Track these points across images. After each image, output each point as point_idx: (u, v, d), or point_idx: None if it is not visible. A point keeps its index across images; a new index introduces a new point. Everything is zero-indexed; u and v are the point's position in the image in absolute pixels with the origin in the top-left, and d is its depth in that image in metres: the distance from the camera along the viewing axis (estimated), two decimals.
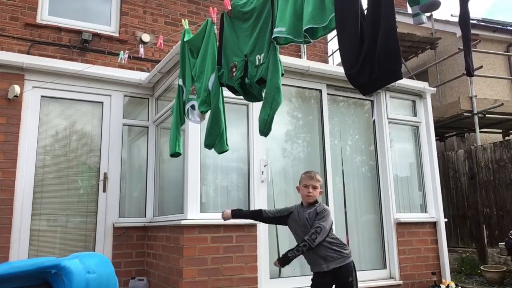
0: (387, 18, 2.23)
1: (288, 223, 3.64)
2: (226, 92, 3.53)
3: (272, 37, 2.96)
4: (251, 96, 3.32)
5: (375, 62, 2.26)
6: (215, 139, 3.49)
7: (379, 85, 2.38)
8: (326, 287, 3.50)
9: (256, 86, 3.17)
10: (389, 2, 2.26)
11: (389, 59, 2.21)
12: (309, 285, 3.58)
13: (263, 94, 3.20)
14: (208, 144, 3.56)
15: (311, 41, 2.82)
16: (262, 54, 3.10)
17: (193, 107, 3.78)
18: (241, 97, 3.51)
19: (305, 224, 3.48)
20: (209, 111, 3.61)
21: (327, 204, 5.34)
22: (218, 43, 3.56)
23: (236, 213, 3.77)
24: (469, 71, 2.28)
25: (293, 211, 3.62)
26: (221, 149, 3.51)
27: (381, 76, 2.27)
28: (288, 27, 2.85)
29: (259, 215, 3.76)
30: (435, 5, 2.21)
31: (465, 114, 8.82)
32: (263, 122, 3.03)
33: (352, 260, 3.52)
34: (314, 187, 3.53)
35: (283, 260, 3.33)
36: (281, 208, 3.73)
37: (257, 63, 3.14)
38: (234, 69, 3.32)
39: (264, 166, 5.17)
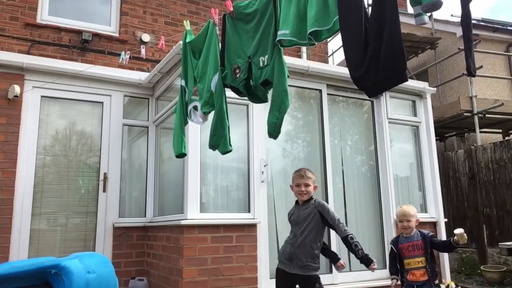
0: (392, 20, 2.23)
1: None
2: (227, 92, 3.53)
3: (277, 39, 2.95)
4: (256, 97, 3.32)
5: (380, 64, 2.26)
6: (220, 140, 3.49)
7: (384, 87, 2.38)
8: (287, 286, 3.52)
9: (261, 88, 3.17)
10: (393, 4, 2.25)
11: (394, 61, 2.21)
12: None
13: (268, 96, 3.21)
14: (213, 145, 3.57)
15: (316, 43, 2.82)
16: (266, 56, 3.10)
17: (195, 108, 3.78)
18: (241, 97, 3.53)
19: (297, 222, 3.51)
20: (211, 112, 3.61)
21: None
22: (220, 44, 3.56)
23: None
24: (470, 72, 2.27)
25: (292, 212, 3.67)
26: (225, 150, 3.51)
27: (387, 78, 2.26)
28: (292, 29, 2.84)
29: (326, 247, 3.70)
30: (437, 5, 2.20)
31: (465, 114, 8.82)
32: (272, 125, 3.03)
33: (318, 276, 3.46)
34: (306, 185, 3.54)
35: (367, 261, 3.39)
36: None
37: (261, 64, 3.14)
38: (237, 71, 3.32)
39: (264, 166, 5.17)
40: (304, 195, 3.54)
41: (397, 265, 3.84)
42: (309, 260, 3.41)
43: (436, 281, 3.74)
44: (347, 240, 3.37)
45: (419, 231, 3.89)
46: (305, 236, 3.44)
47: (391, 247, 3.95)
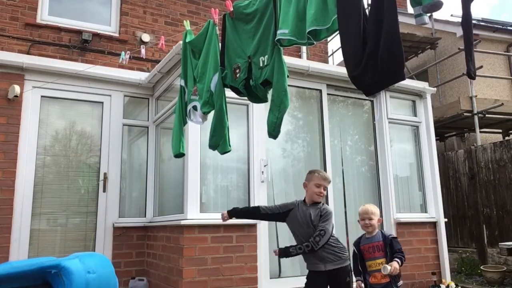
0: (390, 19, 2.23)
1: (287, 220, 3.60)
2: (226, 92, 3.53)
3: (276, 39, 2.96)
4: (256, 97, 3.32)
5: (378, 63, 2.26)
6: (219, 140, 3.49)
7: (382, 86, 2.38)
8: (321, 286, 3.50)
9: (260, 88, 3.18)
10: (391, 3, 2.25)
11: (392, 60, 2.21)
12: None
13: (268, 96, 3.21)
14: (213, 145, 3.57)
15: (314, 42, 2.82)
16: (266, 56, 3.10)
17: (195, 108, 3.78)
18: (241, 97, 3.52)
19: (307, 223, 3.47)
20: (211, 112, 3.61)
21: (327, 204, 5.33)
22: (220, 44, 3.56)
23: (232, 212, 3.68)
24: (471, 75, 2.28)
25: (293, 208, 3.58)
26: (224, 150, 3.51)
27: (385, 77, 2.27)
28: (291, 28, 2.85)
29: (256, 212, 3.71)
30: (438, 6, 2.20)
31: (465, 114, 8.82)
32: (272, 125, 3.03)
33: (349, 264, 3.55)
34: (325, 188, 3.55)
35: (284, 252, 3.41)
36: (281, 204, 3.67)
37: (261, 64, 3.14)
38: (237, 71, 3.32)
39: (264, 166, 5.17)
40: (321, 197, 3.54)
41: (359, 267, 3.73)
42: (333, 253, 3.45)
43: (399, 283, 3.61)
44: (303, 243, 3.40)
45: (381, 231, 3.76)
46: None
47: (354, 249, 3.80)
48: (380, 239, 3.66)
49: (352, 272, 3.71)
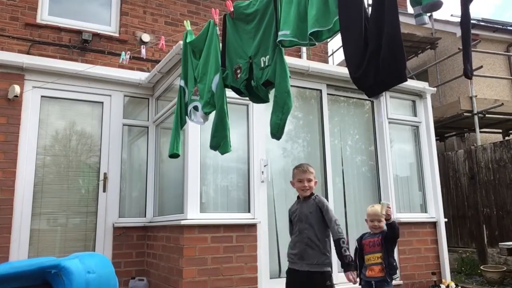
0: (391, 20, 2.23)
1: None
2: (227, 92, 3.53)
3: (277, 40, 2.95)
4: (257, 97, 3.32)
5: (380, 64, 2.26)
6: (221, 141, 3.49)
7: (384, 87, 2.38)
8: (298, 286, 3.43)
9: (262, 89, 3.17)
10: (393, 4, 2.25)
11: (394, 61, 2.21)
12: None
13: (269, 96, 3.21)
14: (214, 146, 3.57)
15: (316, 43, 2.82)
16: (267, 56, 3.10)
17: (196, 108, 3.78)
18: (242, 97, 3.53)
19: (301, 218, 3.48)
20: (212, 112, 3.61)
21: None
22: (221, 45, 3.56)
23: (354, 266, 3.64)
24: (467, 75, 2.28)
25: (292, 210, 3.67)
26: (225, 150, 3.52)
27: (386, 78, 2.26)
28: (293, 29, 2.84)
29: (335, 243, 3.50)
30: (437, 5, 2.20)
31: (465, 114, 8.82)
32: (276, 126, 3.03)
33: (330, 272, 3.44)
34: (309, 180, 3.53)
35: (349, 268, 3.37)
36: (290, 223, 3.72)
37: (262, 65, 3.14)
38: (238, 71, 3.32)
39: (264, 166, 5.17)
40: (307, 190, 3.53)
41: (357, 261, 3.86)
42: (319, 256, 3.39)
43: (395, 276, 3.78)
44: (338, 243, 3.38)
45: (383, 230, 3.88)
46: (311, 232, 3.42)
47: (355, 245, 3.99)
48: (380, 235, 3.83)
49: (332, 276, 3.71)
